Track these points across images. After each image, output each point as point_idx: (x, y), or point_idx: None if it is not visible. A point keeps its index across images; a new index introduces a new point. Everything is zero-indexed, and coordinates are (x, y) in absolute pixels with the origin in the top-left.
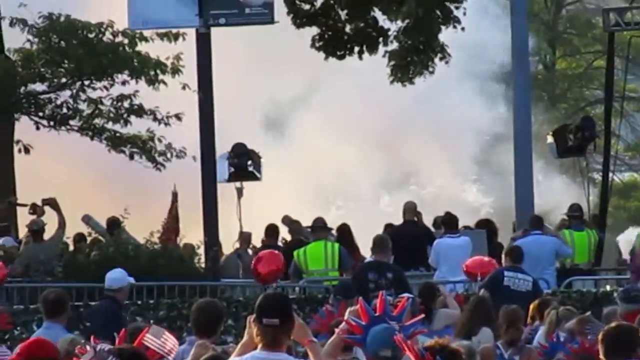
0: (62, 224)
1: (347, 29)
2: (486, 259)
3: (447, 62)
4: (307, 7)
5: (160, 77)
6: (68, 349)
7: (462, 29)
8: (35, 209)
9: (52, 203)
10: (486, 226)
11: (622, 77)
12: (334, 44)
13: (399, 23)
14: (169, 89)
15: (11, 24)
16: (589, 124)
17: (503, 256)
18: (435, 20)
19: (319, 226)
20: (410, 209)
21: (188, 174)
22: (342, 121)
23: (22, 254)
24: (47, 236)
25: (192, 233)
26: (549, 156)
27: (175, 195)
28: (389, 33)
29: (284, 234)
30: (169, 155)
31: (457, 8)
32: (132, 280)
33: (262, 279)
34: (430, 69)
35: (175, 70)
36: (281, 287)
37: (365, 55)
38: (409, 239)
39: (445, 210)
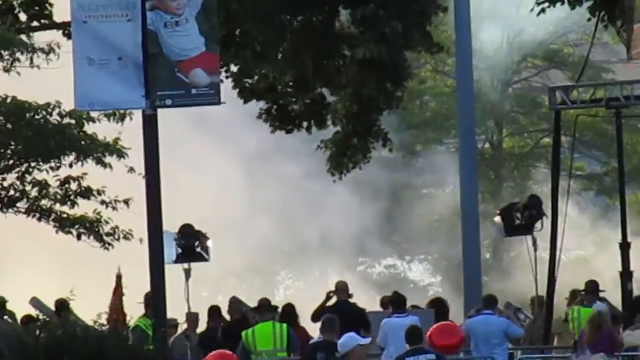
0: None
1: (295, 105)
2: (450, 325)
3: (390, 150)
4: (252, 82)
5: (107, 159)
6: None
7: (404, 108)
8: None
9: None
10: (439, 305)
11: (569, 156)
12: (282, 119)
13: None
14: (115, 170)
15: None
16: (536, 203)
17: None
18: (376, 103)
19: (266, 306)
20: (342, 290)
21: (136, 254)
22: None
23: None
24: None
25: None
26: (497, 235)
27: (119, 278)
28: (337, 110)
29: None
30: (116, 236)
31: (398, 89)
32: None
33: None
34: (369, 156)
35: (120, 154)
36: None
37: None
38: (343, 321)
39: (393, 290)
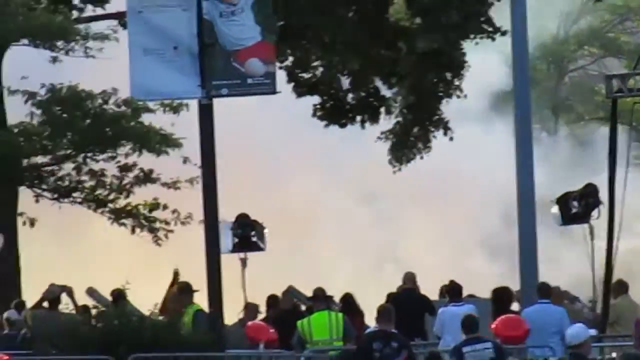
0: (78, 311)
1: (349, 98)
2: (513, 318)
3: (451, 138)
4: (307, 76)
5: (164, 149)
6: None
7: (465, 96)
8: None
9: (67, 291)
10: (503, 293)
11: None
12: (335, 113)
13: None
14: (166, 161)
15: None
16: (593, 191)
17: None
18: (436, 91)
19: (320, 295)
20: (409, 279)
21: (191, 245)
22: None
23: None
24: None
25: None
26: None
27: (176, 274)
28: (392, 103)
29: None
30: (172, 224)
31: (457, 78)
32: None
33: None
34: (429, 145)
35: (176, 144)
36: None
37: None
38: (405, 307)
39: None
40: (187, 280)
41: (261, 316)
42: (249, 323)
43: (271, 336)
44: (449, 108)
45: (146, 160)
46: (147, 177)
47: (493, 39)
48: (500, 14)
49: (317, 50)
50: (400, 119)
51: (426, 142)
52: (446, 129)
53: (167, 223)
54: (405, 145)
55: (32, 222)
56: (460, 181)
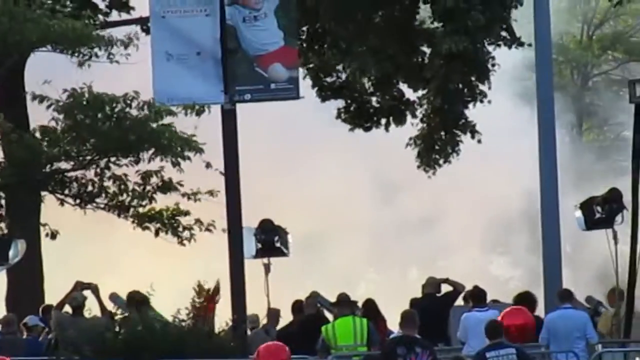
0: (103, 311)
1: (373, 101)
2: (515, 308)
3: (479, 141)
4: (331, 80)
5: (186, 153)
6: None
7: (489, 101)
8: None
9: (93, 289)
10: (526, 299)
11: None
12: (359, 116)
13: (425, 96)
14: (189, 166)
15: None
16: (617, 196)
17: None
18: (461, 96)
19: (345, 300)
20: (431, 284)
21: (214, 250)
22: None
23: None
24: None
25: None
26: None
27: (217, 289)
28: (416, 106)
29: None
30: (195, 229)
31: (482, 83)
32: None
33: None
34: (457, 149)
35: (198, 149)
36: None
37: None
38: (428, 312)
39: (473, 284)
40: (209, 285)
41: (284, 321)
42: (262, 346)
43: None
44: (474, 112)
45: (170, 166)
46: (167, 185)
47: (510, 48)
48: (523, 19)
49: (337, 55)
50: (426, 123)
51: (454, 146)
52: (474, 132)
53: (190, 229)
54: (434, 150)
55: (54, 235)
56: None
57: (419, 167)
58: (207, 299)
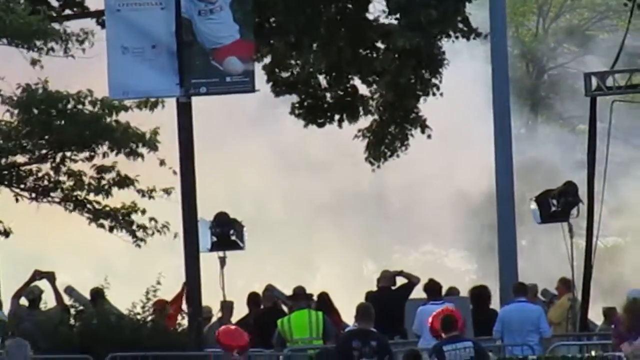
0: (59, 301)
1: (327, 97)
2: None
3: (429, 136)
4: (286, 75)
5: (140, 150)
6: None
7: (441, 94)
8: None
9: (49, 278)
10: (481, 292)
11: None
12: (314, 112)
13: (377, 90)
14: (145, 162)
15: None
16: (572, 189)
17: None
18: (414, 89)
19: (301, 294)
20: (386, 277)
21: (170, 245)
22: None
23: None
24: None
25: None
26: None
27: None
28: (369, 101)
29: None
30: (149, 230)
31: (434, 76)
32: None
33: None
34: (406, 143)
35: (152, 146)
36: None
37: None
38: (383, 305)
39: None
40: (164, 280)
41: (239, 314)
42: (221, 328)
43: (243, 342)
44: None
45: (125, 163)
46: (123, 180)
47: (468, 39)
48: (480, 12)
49: (290, 49)
50: (377, 117)
51: (403, 140)
52: (424, 127)
53: (145, 228)
54: (383, 144)
55: (7, 234)
56: (438, 180)
57: (366, 159)
58: (173, 300)
